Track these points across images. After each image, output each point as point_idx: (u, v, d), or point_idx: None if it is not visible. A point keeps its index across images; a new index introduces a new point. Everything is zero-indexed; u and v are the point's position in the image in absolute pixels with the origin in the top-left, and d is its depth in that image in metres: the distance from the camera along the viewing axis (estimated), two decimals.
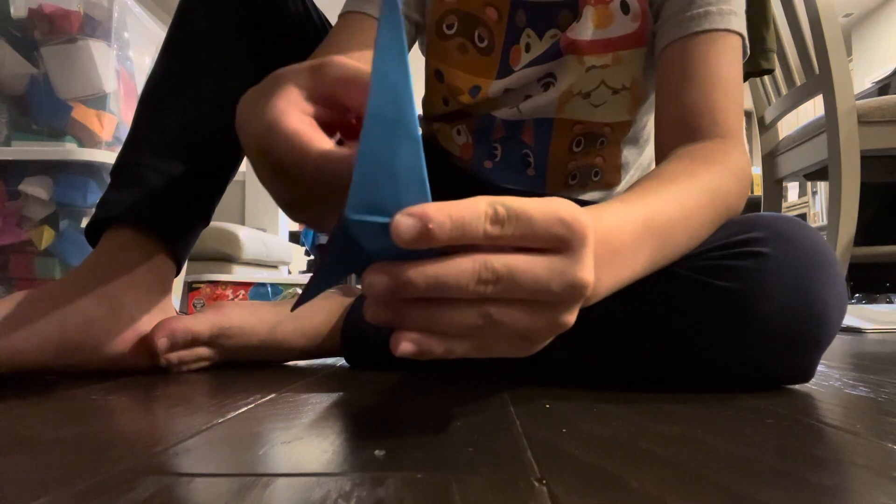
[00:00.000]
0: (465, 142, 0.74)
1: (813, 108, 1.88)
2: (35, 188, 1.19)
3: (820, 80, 1.35)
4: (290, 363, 0.68)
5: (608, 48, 0.63)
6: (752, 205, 2.06)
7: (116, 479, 0.24)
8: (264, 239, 2.53)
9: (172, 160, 0.61)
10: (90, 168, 1.21)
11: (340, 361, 0.70)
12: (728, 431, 0.33)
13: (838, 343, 1.03)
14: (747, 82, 1.54)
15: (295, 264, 3.23)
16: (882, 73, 3.34)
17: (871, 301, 2.37)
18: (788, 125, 1.70)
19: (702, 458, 0.28)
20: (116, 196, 0.60)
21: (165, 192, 0.60)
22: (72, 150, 1.20)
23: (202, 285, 1.67)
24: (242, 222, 3.94)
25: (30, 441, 0.31)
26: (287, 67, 0.35)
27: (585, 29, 0.63)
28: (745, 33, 0.58)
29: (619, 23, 0.63)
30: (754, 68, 0.82)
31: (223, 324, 0.60)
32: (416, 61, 0.59)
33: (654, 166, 0.71)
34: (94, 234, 0.61)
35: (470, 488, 0.23)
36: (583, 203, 0.35)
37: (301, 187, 0.33)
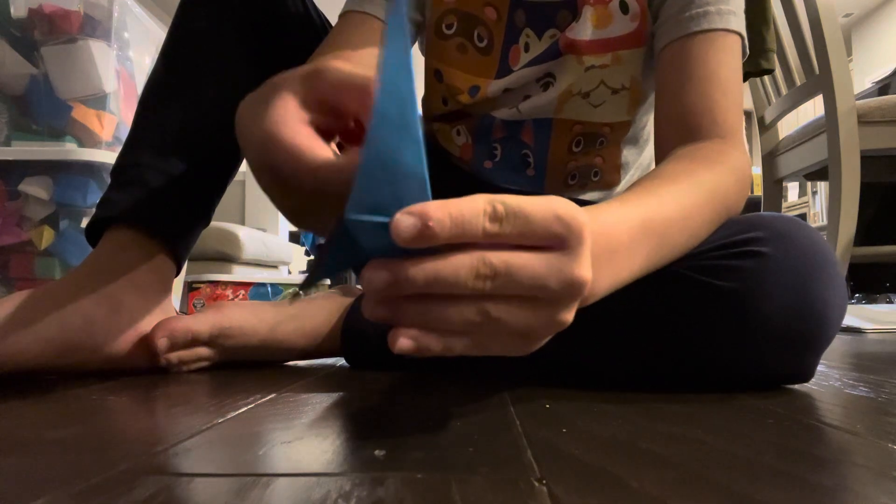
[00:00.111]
0: (465, 142, 0.74)
1: (813, 108, 1.88)
2: (35, 188, 1.19)
3: (820, 80, 1.35)
4: (290, 363, 0.68)
5: (607, 48, 0.63)
6: (752, 205, 2.06)
7: (116, 479, 0.24)
8: (264, 239, 2.53)
9: (172, 160, 0.61)
10: (90, 168, 1.21)
11: (340, 361, 0.70)
12: (728, 431, 0.33)
13: (838, 343, 1.03)
14: (747, 82, 1.54)
15: (295, 264, 3.23)
16: (882, 73, 3.35)
17: (871, 301, 2.37)
18: (788, 125, 1.70)
19: (702, 458, 0.28)
20: (116, 196, 0.60)
21: (165, 192, 0.60)
22: (72, 150, 1.20)
23: (202, 285, 1.67)
24: (242, 222, 3.94)
25: (30, 441, 0.31)
26: (283, 74, 0.35)
27: (584, 29, 0.63)
28: (744, 33, 0.58)
29: (618, 23, 0.63)
30: (754, 68, 0.82)
31: (223, 324, 0.60)
32: (416, 61, 0.59)
33: (653, 166, 0.71)
34: (94, 234, 0.61)
35: (470, 488, 0.23)
36: (582, 203, 0.35)
37: (302, 196, 0.33)
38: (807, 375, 0.49)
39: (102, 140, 1.25)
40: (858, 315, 1.47)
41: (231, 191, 2.25)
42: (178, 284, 1.53)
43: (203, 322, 0.59)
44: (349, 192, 0.25)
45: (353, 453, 0.29)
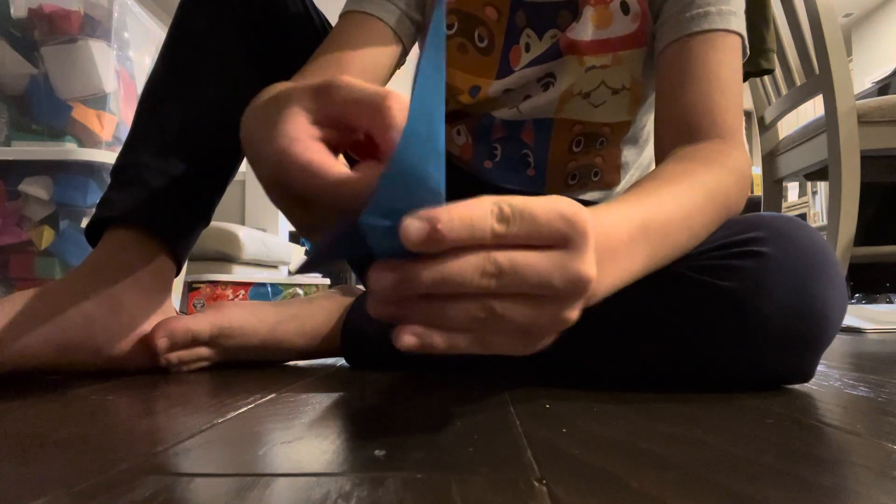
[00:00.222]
0: (465, 142, 0.74)
1: (813, 108, 1.88)
2: (35, 188, 1.19)
3: (820, 80, 1.35)
4: (290, 363, 0.68)
5: (608, 48, 0.63)
6: (752, 205, 2.06)
7: (116, 479, 0.24)
8: (264, 239, 2.53)
9: (172, 160, 0.61)
10: (90, 168, 1.21)
11: (340, 361, 0.70)
12: (728, 431, 0.33)
13: (838, 343, 1.03)
14: (747, 82, 1.54)
15: (295, 264, 3.23)
16: (882, 73, 3.34)
17: (871, 301, 2.37)
18: (788, 125, 1.70)
19: (702, 458, 0.28)
20: (116, 196, 0.60)
21: (165, 192, 0.60)
22: (72, 150, 1.20)
23: (202, 285, 1.67)
24: (242, 222, 3.93)
25: (30, 441, 0.31)
26: (291, 86, 0.35)
27: (585, 29, 0.63)
28: (744, 33, 0.58)
29: (618, 23, 0.63)
30: (754, 68, 0.82)
31: (223, 324, 0.60)
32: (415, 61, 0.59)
33: (653, 166, 0.71)
34: (94, 234, 0.61)
35: (470, 488, 0.23)
36: (583, 203, 0.35)
37: (316, 212, 0.33)
38: (807, 375, 0.49)
39: (102, 140, 1.25)
40: (858, 315, 1.47)
41: (231, 191, 2.25)
42: (178, 284, 1.53)
43: (203, 322, 0.59)
44: (365, 206, 0.25)
45: (353, 453, 0.29)
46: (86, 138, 1.23)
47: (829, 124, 1.35)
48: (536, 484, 0.24)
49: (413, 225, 0.25)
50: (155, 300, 0.60)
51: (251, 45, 0.66)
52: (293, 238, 3.81)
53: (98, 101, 1.24)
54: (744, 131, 0.57)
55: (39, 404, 0.43)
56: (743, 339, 0.46)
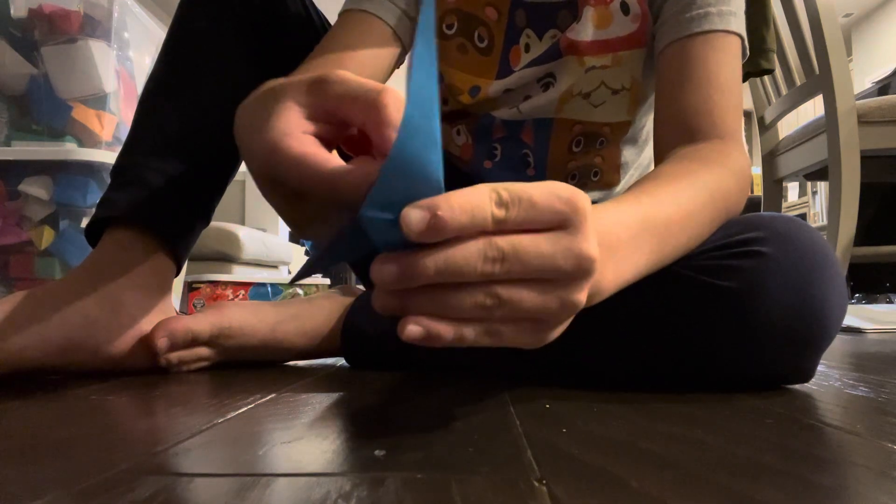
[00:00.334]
0: (465, 142, 0.74)
1: (813, 108, 1.88)
2: (35, 188, 1.19)
3: (820, 80, 1.35)
4: (290, 363, 0.68)
5: (608, 49, 0.63)
6: (752, 205, 2.06)
7: (116, 479, 0.24)
8: (264, 239, 2.53)
9: (172, 160, 0.61)
10: (90, 168, 1.21)
11: (340, 361, 0.70)
12: (728, 431, 0.33)
13: (838, 343, 1.04)
14: (747, 82, 1.54)
15: (295, 264, 3.23)
16: (882, 73, 3.35)
17: (871, 301, 2.37)
18: (788, 125, 1.70)
19: (702, 458, 0.28)
20: (116, 196, 0.60)
21: (165, 192, 0.60)
22: (72, 150, 1.20)
23: (202, 285, 1.67)
24: (242, 222, 3.93)
25: (30, 441, 0.31)
26: (286, 81, 0.35)
27: (585, 29, 0.63)
28: (744, 34, 0.58)
29: (618, 23, 0.63)
30: (754, 68, 0.82)
31: (223, 324, 0.60)
32: None
33: (653, 166, 0.71)
34: (94, 233, 0.61)
35: (470, 488, 0.23)
36: None
37: (307, 206, 0.33)
38: (807, 375, 0.49)
39: (102, 140, 1.25)
40: (858, 315, 1.47)
41: (231, 191, 2.25)
42: (178, 284, 1.53)
43: (203, 322, 0.59)
44: (360, 199, 0.25)
45: (353, 453, 0.29)
46: (86, 138, 1.23)
47: (829, 124, 1.35)
48: (536, 484, 0.24)
49: (414, 214, 0.25)
50: (155, 300, 0.59)
51: (251, 45, 0.66)
52: (293, 238, 3.81)
53: (98, 101, 1.24)
54: (743, 132, 0.57)
55: (39, 404, 0.43)
56: (743, 339, 0.46)
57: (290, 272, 3.04)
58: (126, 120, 1.29)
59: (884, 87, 2.56)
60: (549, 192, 0.28)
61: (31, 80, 1.22)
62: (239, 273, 2.24)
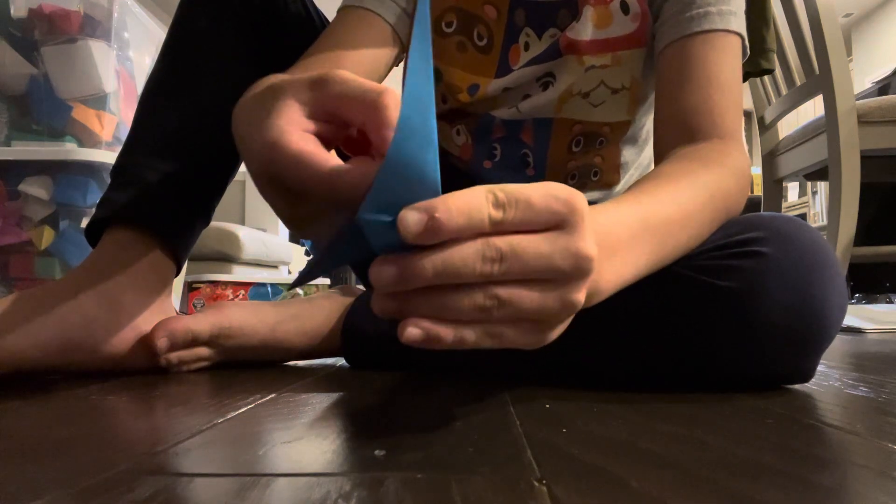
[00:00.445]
0: (465, 142, 0.74)
1: (813, 108, 1.88)
2: (35, 188, 1.19)
3: (820, 80, 1.35)
4: (290, 363, 0.68)
5: (607, 48, 0.63)
6: (752, 205, 2.06)
7: (116, 479, 0.24)
8: (264, 239, 2.53)
9: (172, 160, 0.61)
10: (90, 168, 1.21)
11: (340, 361, 0.70)
12: (728, 431, 0.33)
13: (838, 343, 1.04)
14: (747, 82, 1.54)
15: (295, 264, 3.23)
16: (882, 73, 3.35)
17: (871, 301, 2.37)
18: (788, 125, 1.70)
19: (702, 458, 0.28)
20: (116, 196, 0.60)
21: (165, 191, 0.60)
22: (72, 150, 1.20)
23: (202, 285, 1.67)
24: (242, 222, 3.94)
25: (30, 441, 0.31)
26: (285, 78, 0.34)
27: (585, 29, 0.63)
28: (744, 34, 0.58)
29: (618, 23, 0.63)
30: (754, 68, 0.82)
31: (223, 324, 0.60)
32: None
33: (653, 166, 0.71)
34: (94, 233, 0.61)
35: (470, 488, 0.23)
36: None
37: (305, 205, 0.33)
38: (807, 375, 0.49)
39: (102, 140, 1.25)
40: (858, 315, 1.47)
41: (231, 191, 2.25)
42: (178, 284, 1.53)
43: (203, 322, 0.59)
44: (359, 199, 0.25)
45: (353, 453, 0.29)
46: (86, 138, 1.23)
47: (829, 124, 1.35)
48: (536, 484, 0.24)
49: (411, 216, 0.25)
50: (155, 300, 0.59)
51: (251, 45, 0.66)
52: (293, 238, 3.81)
53: (98, 101, 1.24)
54: (743, 132, 0.57)
55: (39, 404, 0.43)
56: (743, 339, 0.46)
57: (290, 272, 3.04)
58: (126, 120, 1.29)
59: (884, 87, 2.56)
60: (545, 193, 0.28)
61: (31, 80, 1.22)
62: (239, 273, 2.24)
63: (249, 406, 0.41)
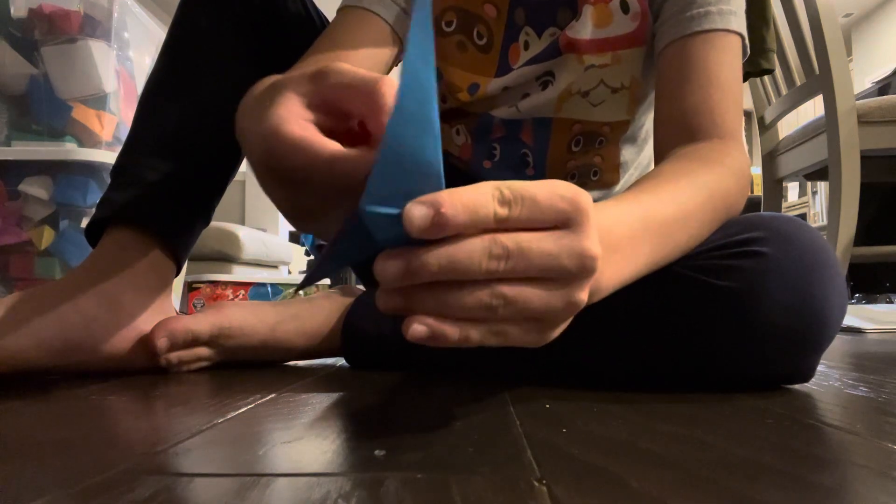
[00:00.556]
0: (464, 142, 0.74)
1: (813, 108, 1.88)
2: (35, 188, 1.19)
3: (820, 80, 1.35)
4: (290, 363, 0.68)
5: (607, 47, 0.63)
6: (752, 205, 2.06)
7: (116, 479, 0.24)
8: (264, 239, 2.53)
9: (172, 160, 0.61)
10: (90, 168, 1.21)
11: (340, 361, 0.70)
12: (728, 431, 0.33)
13: (838, 343, 1.04)
14: (747, 82, 1.54)
15: (295, 264, 3.23)
16: (882, 73, 3.35)
17: (871, 301, 2.37)
18: (788, 125, 1.70)
19: (702, 458, 0.28)
20: (116, 196, 0.60)
21: (165, 191, 0.61)
22: (72, 150, 1.20)
23: (202, 285, 1.67)
24: (242, 222, 3.94)
25: (30, 441, 0.31)
26: (287, 74, 0.35)
27: (584, 28, 0.63)
28: (745, 33, 0.58)
29: (618, 22, 0.63)
30: (754, 68, 0.82)
31: (223, 324, 0.60)
32: None
33: (652, 166, 0.71)
34: (94, 233, 0.61)
35: (470, 488, 0.23)
36: None
37: (306, 195, 0.33)
38: (807, 375, 0.49)
39: (102, 140, 1.25)
40: (858, 315, 1.47)
41: (231, 191, 2.25)
42: (178, 284, 1.53)
43: (203, 322, 0.59)
44: (359, 188, 0.25)
45: (353, 453, 0.29)
46: (86, 138, 1.23)
47: (829, 124, 1.35)
48: (536, 484, 0.24)
49: (417, 210, 0.25)
50: (154, 300, 0.60)
51: (251, 45, 0.66)
52: (293, 238, 3.82)
53: (98, 101, 1.24)
54: (743, 131, 0.57)
55: (39, 404, 0.43)
56: (743, 339, 0.46)
57: (290, 272, 3.04)
58: (126, 120, 1.29)
59: (884, 87, 2.56)
60: (551, 191, 0.28)
61: (31, 80, 1.22)
62: (239, 273, 2.24)
63: (249, 406, 0.41)
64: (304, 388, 0.49)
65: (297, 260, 3.27)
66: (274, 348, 0.63)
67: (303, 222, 0.35)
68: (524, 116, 0.69)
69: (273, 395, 0.45)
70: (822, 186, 3.58)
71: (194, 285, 1.67)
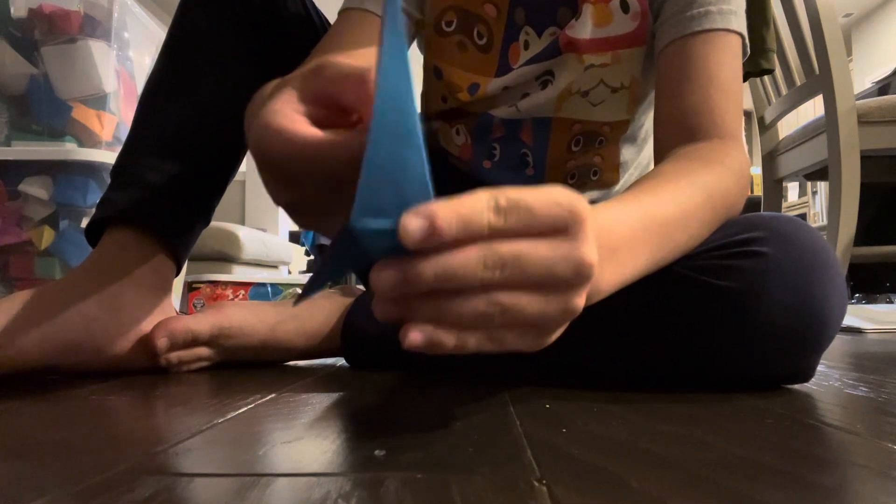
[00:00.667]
0: (464, 142, 0.74)
1: (813, 108, 1.88)
2: (35, 188, 1.19)
3: (820, 80, 1.35)
4: (290, 363, 0.68)
5: (607, 47, 0.63)
6: (752, 205, 2.06)
7: (116, 479, 0.24)
8: (264, 239, 2.53)
9: (172, 160, 0.62)
10: (90, 168, 1.21)
11: (340, 361, 0.70)
12: (728, 431, 0.33)
13: (838, 343, 1.03)
14: (747, 82, 1.54)
15: (295, 264, 3.23)
16: (882, 73, 3.35)
17: (871, 301, 2.37)
18: (788, 125, 1.70)
19: (702, 458, 0.28)
20: (116, 196, 0.60)
21: (165, 191, 0.61)
22: (72, 150, 1.20)
23: (202, 285, 1.67)
24: (242, 222, 3.94)
25: (30, 441, 0.31)
26: (289, 76, 0.35)
27: (584, 27, 0.63)
28: (745, 33, 0.58)
29: (618, 21, 0.63)
30: (754, 68, 0.82)
31: (223, 324, 0.60)
32: (415, 58, 0.59)
33: (652, 166, 0.71)
34: (94, 234, 0.61)
35: (470, 488, 0.23)
36: None
37: (300, 186, 0.33)
38: (807, 375, 0.49)
39: (102, 140, 1.25)
40: (858, 315, 1.47)
41: (231, 191, 2.25)
42: (178, 284, 1.53)
43: (203, 322, 0.59)
44: (348, 175, 0.25)
45: (353, 453, 0.29)
46: (86, 138, 1.23)
47: (829, 124, 1.35)
48: (536, 484, 0.24)
49: (412, 222, 0.25)
50: (155, 300, 0.60)
51: (251, 45, 0.66)
52: (293, 238, 3.82)
53: (98, 101, 1.24)
54: (743, 131, 0.57)
55: (39, 404, 0.43)
56: (743, 339, 0.46)
57: (290, 272, 3.04)
58: (126, 120, 1.29)
59: (884, 87, 2.55)
60: (547, 199, 0.27)
61: (31, 80, 1.22)
62: (239, 273, 2.24)
63: (249, 406, 0.41)
64: (304, 388, 0.49)
65: (297, 260, 3.27)
66: (274, 348, 0.63)
67: (305, 218, 0.35)
68: (524, 116, 0.69)
69: (273, 395, 0.45)
70: (822, 186, 3.58)
71: (194, 285, 1.67)
